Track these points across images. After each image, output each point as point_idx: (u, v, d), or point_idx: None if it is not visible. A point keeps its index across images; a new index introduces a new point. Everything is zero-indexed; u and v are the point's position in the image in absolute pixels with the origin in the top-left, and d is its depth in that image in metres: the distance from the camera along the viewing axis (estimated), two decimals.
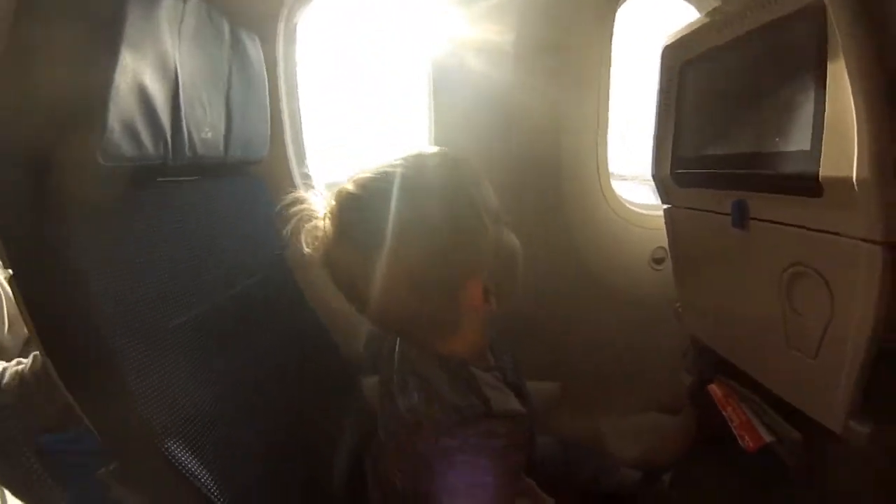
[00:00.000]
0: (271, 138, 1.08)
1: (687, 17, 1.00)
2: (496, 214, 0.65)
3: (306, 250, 0.63)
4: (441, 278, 0.60)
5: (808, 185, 0.58)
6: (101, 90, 0.62)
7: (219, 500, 0.62)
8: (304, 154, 1.30)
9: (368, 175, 0.61)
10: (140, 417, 0.60)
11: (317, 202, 0.64)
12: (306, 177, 1.28)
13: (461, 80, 1.16)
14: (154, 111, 0.70)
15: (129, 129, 0.66)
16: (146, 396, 0.61)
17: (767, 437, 0.77)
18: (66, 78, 0.59)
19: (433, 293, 0.61)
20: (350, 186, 0.61)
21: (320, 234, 0.62)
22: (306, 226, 0.63)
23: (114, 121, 0.63)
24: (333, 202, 0.62)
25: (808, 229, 0.61)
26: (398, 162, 0.62)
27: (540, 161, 1.19)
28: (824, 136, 0.56)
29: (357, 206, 0.61)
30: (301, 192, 0.66)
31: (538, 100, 1.16)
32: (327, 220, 0.62)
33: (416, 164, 0.62)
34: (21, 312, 0.60)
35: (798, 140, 0.60)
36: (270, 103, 1.07)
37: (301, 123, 1.30)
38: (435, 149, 0.67)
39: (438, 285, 0.61)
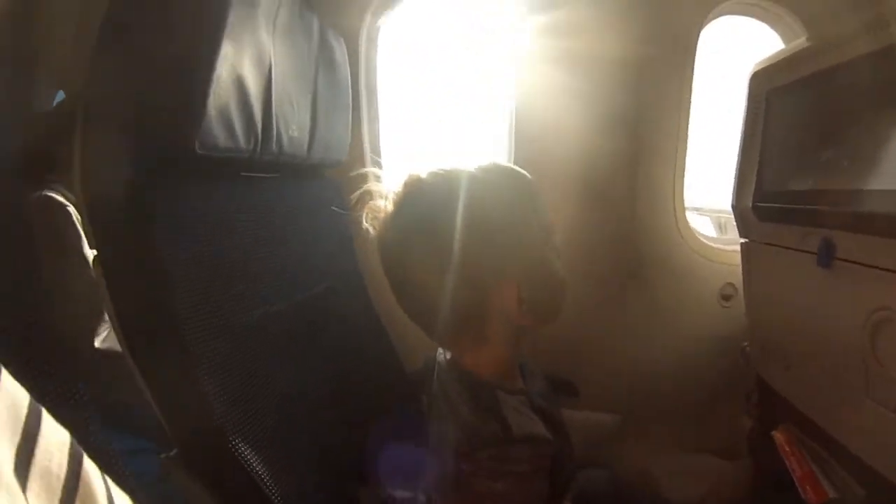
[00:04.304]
0: (350, 142, 1.09)
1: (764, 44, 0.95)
2: (548, 233, 0.67)
3: (365, 225, 0.66)
4: (476, 271, 0.61)
5: None
6: (203, 77, 0.62)
7: (275, 496, 0.62)
8: (382, 160, 1.31)
9: (439, 168, 0.65)
10: (205, 406, 0.60)
11: (387, 186, 0.67)
12: (382, 181, 1.29)
13: (543, 97, 1.15)
14: (249, 103, 0.71)
15: (226, 119, 0.66)
16: (212, 387, 0.62)
17: (831, 493, 0.72)
18: (167, 63, 0.60)
19: (465, 284, 0.61)
20: (419, 172, 0.65)
21: (381, 213, 0.66)
22: (370, 203, 0.67)
23: (212, 109, 0.63)
24: (400, 185, 0.65)
25: None
26: (471, 164, 0.65)
27: (616, 187, 1.17)
28: None
29: (419, 190, 0.64)
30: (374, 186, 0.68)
31: (617, 125, 1.14)
32: (389, 199, 0.65)
33: (485, 168, 0.65)
34: (102, 293, 0.61)
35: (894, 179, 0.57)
36: (352, 106, 1.08)
37: (380, 129, 1.30)
38: (508, 163, 0.70)
39: (472, 277, 0.61)
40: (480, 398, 0.63)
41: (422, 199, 0.64)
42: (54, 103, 1.19)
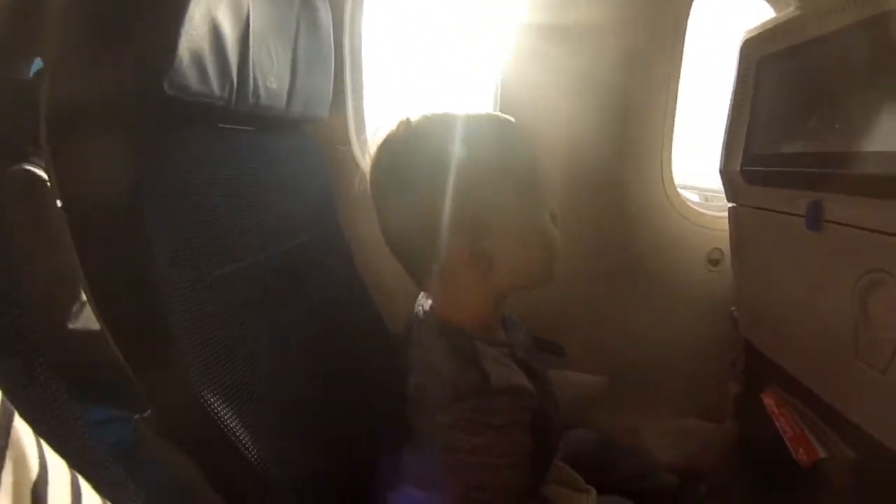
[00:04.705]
0: (333, 102, 1.08)
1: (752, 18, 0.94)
2: (533, 188, 0.65)
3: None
4: (433, 213, 0.60)
5: (894, 188, 0.55)
6: (174, 16, 0.60)
7: (252, 454, 0.61)
8: (364, 119, 1.30)
9: (434, 111, 0.64)
10: (180, 364, 0.59)
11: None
12: (364, 141, 1.28)
13: (528, 71, 1.14)
14: (223, 48, 0.69)
15: (198, 62, 0.65)
16: (187, 344, 0.60)
17: (822, 452, 0.74)
18: (137, 3, 0.59)
19: (424, 226, 0.61)
20: (415, 115, 0.65)
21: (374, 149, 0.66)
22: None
23: (183, 49, 0.61)
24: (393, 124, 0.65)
25: (891, 234, 0.58)
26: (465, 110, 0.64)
27: (604, 154, 1.16)
28: None
29: (405, 127, 0.64)
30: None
31: (606, 92, 1.13)
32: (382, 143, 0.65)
33: (476, 114, 0.64)
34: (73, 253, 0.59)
35: (886, 141, 0.57)
36: (334, 65, 1.06)
37: (363, 89, 1.29)
38: (492, 112, 0.68)
39: (430, 220, 0.61)
40: (458, 347, 0.62)
41: (406, 135, 0.64)
42: (32, 72, 1.15)
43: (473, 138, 0.61)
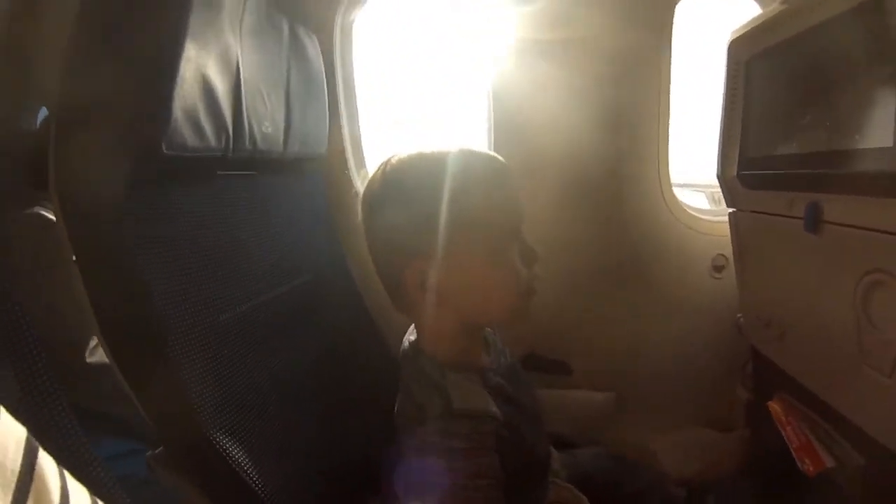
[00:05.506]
0: (329, 136, 1.09)
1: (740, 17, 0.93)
2: (499, 240, 0.64)
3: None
4: (392, 245, 0.64)
5: (889, 185, 0.53)
6: (167, 79, 0.62)
7: (261, 489, 0.63)
8: (363, 152, 1.30)
9: (424, 148, 0.65)
10: (188, 405, 0.61)
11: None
12: (365, 175, 1.28)
13: (520, 82, 1.14)
14: (216, 102, 0.71)
15: (193, 119, 0.67)
16: (196, 385, 0.62)
17: (829, 462, 0.71)
18: (132, 67, 0.61)
19: (388, 256, 0.65)
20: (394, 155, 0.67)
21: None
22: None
23: (178, 110, 0.64)
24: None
25: (890, 233, 0.56)
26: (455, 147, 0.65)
27: (600, 163, 1.15)
28: None
29: (390, 164, 0.65)
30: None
31: (597, 102, 1.12)
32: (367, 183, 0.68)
33: (463, 152, 0.65)
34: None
35: (879, 137, 0.55)
36: (329, 100, 1.07)
37: (359, 121, 1.30)
38: (488, 152, 0.68)
39: (391, 251, 0.65)
40: (426, 374, 0.65)
41: (391, 171, 0.65)
42: (39, 120, 1.18)
43: (437, 175, 0.62)
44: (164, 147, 0.63)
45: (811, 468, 0.72)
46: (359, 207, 0.68)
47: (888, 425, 0.59)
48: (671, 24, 1.10)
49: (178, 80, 0.63)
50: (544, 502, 0.73)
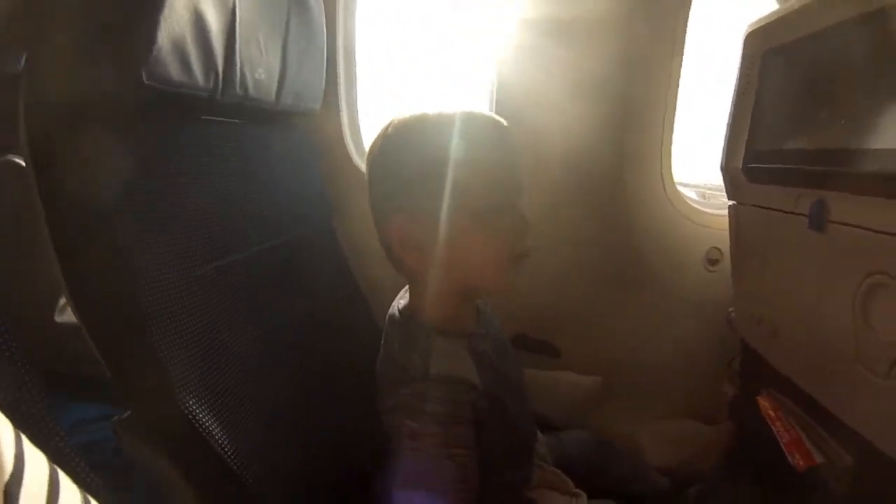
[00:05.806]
0: (325, 96, 1.06)
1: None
2: (507, 193, 0.64)
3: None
4: (388, 203, 0.66)
5: None
6: (152, 4, 0.58)
7: (231, 457, 0.60)
8: (357, 114, 1.28)
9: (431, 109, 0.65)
10: (157, 366, 0.58)
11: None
12: (357, 136, 1.26)
13: (528, 60, 1.12)
14: (207, 37, 0.67)
15: (179, 50, 0.62)
16: (167, 343, 0.59)
17: (819, 458, 0.72)
18: None
19: (379, 216, 0.67)
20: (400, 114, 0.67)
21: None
22: None
23: (163, 37, 0.59)
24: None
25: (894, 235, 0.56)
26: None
27: (602, 150, 1.13)
28: None
29: (392, 124, 0.66)
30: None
31: (604, 87, 1.10)
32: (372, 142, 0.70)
33: (464, 113, 0.64)
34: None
35: (894, 138, 0.54)
36: (327, 59, 1.04)
37: (356, 83, 1.27)
38: (491, 114, 0.67)
39: (384, 209, 0.66)
40: (412, 337, 0.66)
41: (393, 129, 0.66)
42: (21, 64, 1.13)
43: (436, 133, 0.62)
44: (144, 76, 0.59)
45: (801, 463, 0.73)
46: (351, 169, 0.69)
47: (881, 427, 0.59)
48: (687, 17, 1.07)
49: (166, 6, 0.59)
50: (530, 484, 0.74)
